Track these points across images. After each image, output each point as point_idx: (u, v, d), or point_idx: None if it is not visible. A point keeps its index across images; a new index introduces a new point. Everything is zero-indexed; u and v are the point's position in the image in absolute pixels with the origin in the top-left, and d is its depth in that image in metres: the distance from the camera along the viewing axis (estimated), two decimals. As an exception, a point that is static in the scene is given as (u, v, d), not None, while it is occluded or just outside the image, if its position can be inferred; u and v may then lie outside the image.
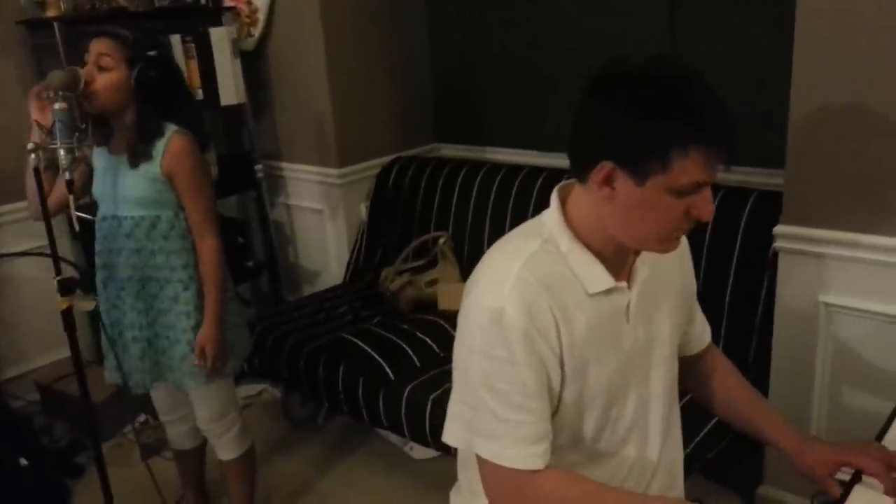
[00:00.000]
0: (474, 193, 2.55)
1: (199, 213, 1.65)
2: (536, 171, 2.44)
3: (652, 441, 1.10)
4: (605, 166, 0.92)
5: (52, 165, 1.49)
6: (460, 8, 2.76)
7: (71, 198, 1.50)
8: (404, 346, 2.09)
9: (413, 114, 2.94)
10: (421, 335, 2.14)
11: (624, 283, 1.02)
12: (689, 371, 1.23)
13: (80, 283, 1.49)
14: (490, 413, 0.97)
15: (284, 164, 2.94)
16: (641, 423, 1.09)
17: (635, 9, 2.26)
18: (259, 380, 2.74)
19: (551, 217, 1.02)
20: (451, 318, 2.22)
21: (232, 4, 2.70)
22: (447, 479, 2.28)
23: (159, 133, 1.62)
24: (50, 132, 1.47)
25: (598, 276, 0.99)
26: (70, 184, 1.49)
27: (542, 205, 2.53)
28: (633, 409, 1.07)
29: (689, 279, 1.17)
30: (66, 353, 2.65)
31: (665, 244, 0.98)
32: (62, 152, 1.47)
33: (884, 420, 1.18)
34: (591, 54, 2.40)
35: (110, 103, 1.58)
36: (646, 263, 1.05)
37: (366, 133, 2.80)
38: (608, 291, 1.00)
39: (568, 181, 1.04)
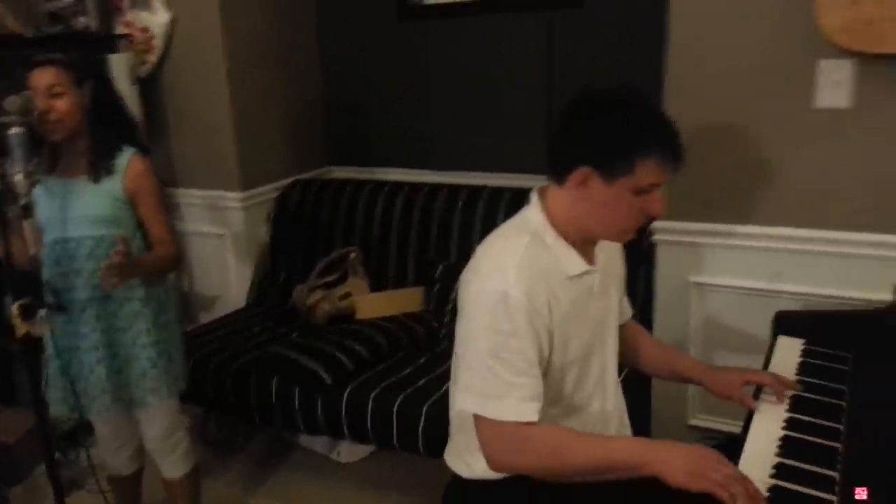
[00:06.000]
0: (378, 211, 2.73)
1: (163, 227, 1.74)
2: (436, 188, 2.68)
3: (609, 395, 1.37)
4: (583, 170, 1.17)
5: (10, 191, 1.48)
6: (348, 38, 2.96)
7: (27, 224, 1.51)
8: (335, 352, 2.21)
9: (306, 139, 3.08)
10: (348, 342, 2.27)
11: (593, 267, 1.28)
12: (621, 338, 1.51)
13: (54, 305, 1.49)
14: (498, 379, 1.16)
15: (180, 191, 2.93)
16: (601, 381, 1.35)
17: (515, 34, 2.58)
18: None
19: (535, 214, 1.25)
20: (371, 325, 2.42)
21: (126, 32, 2.70)
22: (377, 477, 2.46)
23: (117, 148, 1.67)
24: (8, 157, 1.48)
25: (575, 262, 1.24)
26: (27, 209, 1.50)
27: (446, 221, 2.79)
28: (597, 368, 1.33)
29: (623, 264, 1.46)
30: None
31: (625, 235, 1.25)
32: (20, 177, 1.47)
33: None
34: (474, 79, 2.70)
35: (73, 126, 1.62)
36: (603, 251, 1.32)
37: (265, 158, 2.89)
38: (582, 274, 1.25)
39: (543, 185, 1.28)
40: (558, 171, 1.22)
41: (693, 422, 2.14)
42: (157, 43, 2.70)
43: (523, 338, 1.16)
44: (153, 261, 1.72)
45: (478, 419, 1.20)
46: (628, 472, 1.13)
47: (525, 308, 1.15)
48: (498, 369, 1.16)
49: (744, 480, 1.05)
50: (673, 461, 1.09)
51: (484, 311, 1.17)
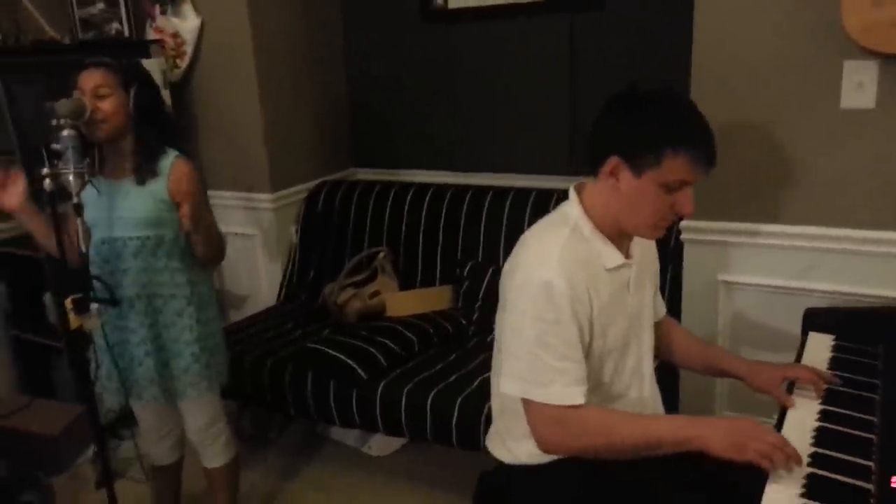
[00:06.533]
0: (405, 212, 2.79)
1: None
2: (462, 189, 2.73)
3: (646, 383, 1.41)
4: (613, 160, 1.22)
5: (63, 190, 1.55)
6: (373, 41, 3.02)
7: (80, 220, 1.57)
8: (369, 348, 2.27)
9: (332, 141, 3.14)
10: (380, 338, 2.33)
11: (629, 260, 1.33)
12: (656, 334, 1.55)
13: (107, 299, 1.55)
14: (543, 364, 1.21)
15: (211, 192, 2.99)
16: (639, 370, 1.40)
17: (538, 37, 2.63)
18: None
19: (573, 208, 1.30)
20: (402, 322, 2.48)
21: (157, 37, 2.77)
22: (408, 469, 2.50)
23: (161, 151, 1.73)
24: (61, 158, 1.54)
25: (612, 255, 1.29)
26: (78, 207, 1.57)
27: (473, 221, 2.84)
28: (633, 360, 1.38)
29: (657, 259, 1.50)
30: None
31: (655, 231, 1.28)
32: (72, 177, 1.54)
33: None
34: (497, 81, 2.75)
35: (118, 127, 1.67)
36: (638, 245, 1.36)
37: (294, 159, 2.96)
38: (619, 267, 1.30)
39: (580, 181, 1.33)
40: (592, 163, 1.26)
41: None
42: (188, 48, 2.77)
43: (567, 324, 1.21)
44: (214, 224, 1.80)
45: (526, 404, 1.25)
46: (673, 448, 1.19)
47: (567, 295, 1.20)
48: (543, 356, 1.21)
49: (783, 445, 1.13)
50: (715, 435, 1.15)
51: (528, 301, 1.22)
